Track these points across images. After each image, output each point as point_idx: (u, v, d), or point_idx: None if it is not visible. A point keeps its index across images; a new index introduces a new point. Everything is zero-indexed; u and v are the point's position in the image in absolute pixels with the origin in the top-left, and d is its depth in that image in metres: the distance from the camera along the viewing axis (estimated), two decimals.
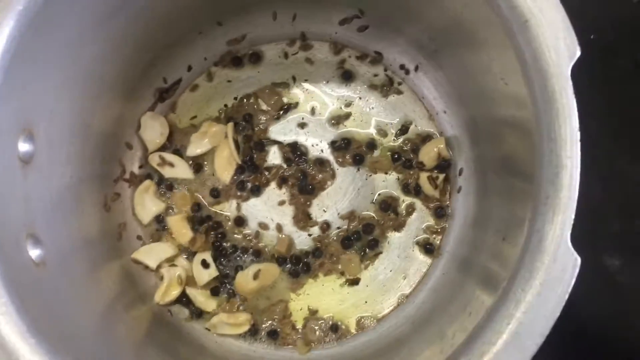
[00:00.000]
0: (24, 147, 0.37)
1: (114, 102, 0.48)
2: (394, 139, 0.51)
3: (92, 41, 0.41)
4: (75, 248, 0.42)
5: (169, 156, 0.51)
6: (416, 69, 0.51)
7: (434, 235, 0.50)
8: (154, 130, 0.51)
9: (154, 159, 0.51)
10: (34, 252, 0.36)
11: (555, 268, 0.32)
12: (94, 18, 0.39)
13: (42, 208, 0.39)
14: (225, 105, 0.52)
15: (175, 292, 0.49)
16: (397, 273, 0.50)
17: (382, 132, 0.51)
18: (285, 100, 0.52)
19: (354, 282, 0.50)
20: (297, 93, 0.52)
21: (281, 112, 0.52)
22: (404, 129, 0.51)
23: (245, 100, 0.52)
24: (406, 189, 0.51)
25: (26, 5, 0.34)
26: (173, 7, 0.45)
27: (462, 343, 0.34)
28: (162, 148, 0.51)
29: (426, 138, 0.51)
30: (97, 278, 0.45)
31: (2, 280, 0.32)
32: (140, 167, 0.52)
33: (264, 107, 0.52)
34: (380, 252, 0.50)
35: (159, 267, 0.50)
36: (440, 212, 0.50)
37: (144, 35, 0.46)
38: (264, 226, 0.51)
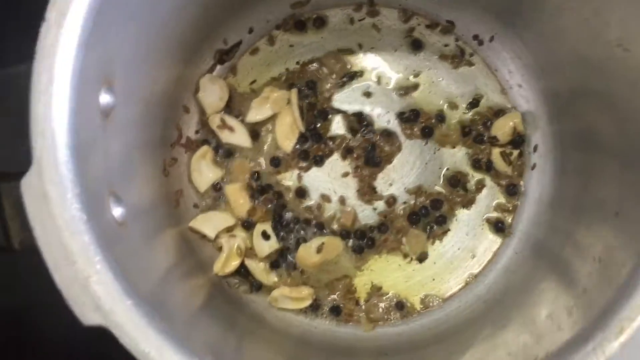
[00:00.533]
0: (104, 98, 0.34)
1: (176, 62, 0.45)
2: (464, 112, 0.49)
3: None
4: (141, 212, 0.40)
5: (230, 119, 0.48)
6: (491, 39, 0.49)
7: (505, 214, 0.48)
8: (213, 94, 0.49)
9: (215, 121, 0.48)
10: (117, 211, 0.34)
11: None
12: None
13: (117, 167, 0.36)
14: (287, 69, 0.50)
15: (234, 264, 0.47)
16: (466, 251, 0.48)
17: (452, 105, 0.49)
18: (350, 67, 0.50)
19: (422, 258, 0.48)
20: (362, 61, 0.50)
21: (345, 80, 0.50)
22: (474, 102, 0.49)
23: (308, 65, 0.50)
24: (477, 164, 0.49)
25: None
26: None
27: (585, 318, 0.32)
28: (220, 113, 0.49)
29: (498, 112, 0.49)
30: (155, 245, 0.42)
31: (95, 238, 0.29)
32: (197, 132, 0.49)
33: (328, 73, 0.50)
34: (449, 230, 0.48)
35: (217, 236, 0.47)
36: (512, 190, 0.48)
37: None
38: (326, 198, 0.49)
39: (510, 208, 0.48)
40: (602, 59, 0.37)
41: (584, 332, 0.32)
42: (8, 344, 0.51)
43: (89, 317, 0.29)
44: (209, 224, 0.47)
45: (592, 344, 0.31)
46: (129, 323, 0.29)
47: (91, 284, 0.29)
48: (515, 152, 0.48)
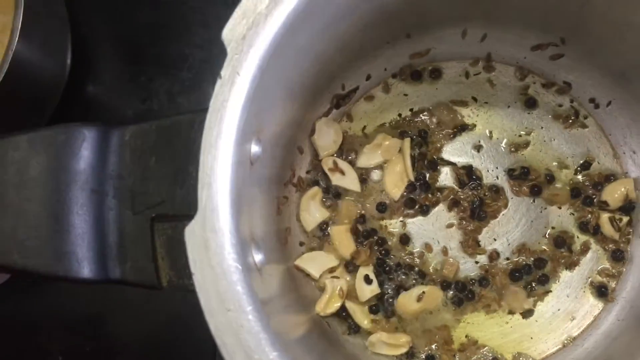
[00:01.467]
0: (254, 148, 0.36)
1: (300, 107, 0.47)
2: (574, 173, 0.50)
3: (318, 42, 0.39)
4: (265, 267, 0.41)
5: (342, 163, 0.50)
6: (608, 104, 0.49)
7: (609, 279, 0.48)
8: (327, 136, 0.50)
9: (327, 163, 0.49)
10: (257, 257, 0.35)
11: None
12: (328, 18, 0.38)
13: (251, 210, 0.38)
14: (400, 116, 0.51)
15: (336, 305, 0.48)
16: (565, 313, 0.48)
17: (562, 165, 0.50)
18: (461, 119, 0.51)
19: (527, 315, 0.48)
20: (475, 114, 0.51)
21: (456, 132, 0.50)
22: (585, 165, 0.49)
23: (420, 115, 0.51)
24: (584, 226, 0.49)
25: (295, 7, 0.33)
26: (381, 14, 0.44)
27: None
28: (333, 156, 0.50)
29: (609, 177, 0.49)
30: (270, 282, 0.44)
31: (247, 288, 0.31)
32: (307, 172, 0.51)
33: (439, 124, 0.51)
34: (550, 290, 0.49)
35: (320, 276, 0.49)
36: (618, 256, 0.48)
37: (345, 39, 0.45)
38: (429, 247, 0.50)
39: (615, 274, 0.48)
40: None
41: None
42: None
43: None
44: (314, 263, 0.49)
45: None
46: None
47: (242, 334, 0.30)
48: (625, 219, 0.48)
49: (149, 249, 0.34)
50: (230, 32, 0.32)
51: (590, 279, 0.49)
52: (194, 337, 0.53)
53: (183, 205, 0.33)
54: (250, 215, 0.37)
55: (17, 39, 0.50)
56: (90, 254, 0.32)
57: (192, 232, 0.31)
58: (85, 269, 0.32)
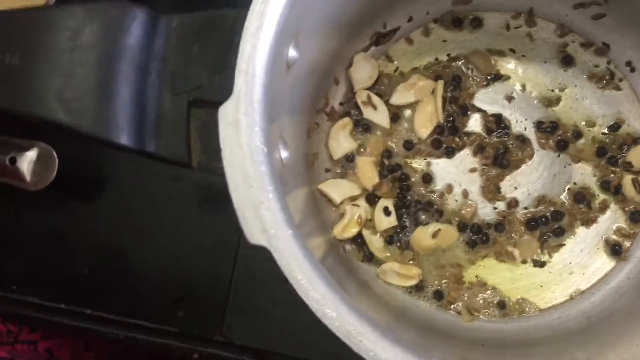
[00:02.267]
0: (292, 52, 0.38)
1: (341, 36, 0.49)
2: (602, 133, 0.50)
3: None
4: (291, 163, 0.43)
5: (375, 98, 0.51)
6: None
7: (624, 239, 0.49)
8: (364, 71, 0.52)
9: (362, 96, 0.51)
10: (283, 154, 0.37)
11: None
12: None
13: (286, 117, 0.40)
14: (436, 59, 0.52)
15: (353, 231, 0.50)
16: (577, 267, 0.49)
17: (591, 123, 0.50)
18: (497, 68, 0.52)
19: (539, 264, 0.49)
20: (511, 65, 0.52)
21: (490, 79, 0.51)
22: (615, 126, 0.50)
23: (457, 60, 0.52)
24: (605, 185, 0.49)
25: None
26: None
27: None
28: (367, 90, 0.52)
29: (638, 140, 0.49)
30: (294, 196, 0.46)
31: (270, 170, 0.33)
32: (341, 104, 0.52)
33: (474, 70, 0.52)
34: (564, 244, 0.50)
35: (341, 202, 0.50)
36: (636, 217, 0.49)
37: None
38: (449, 189, 0.51)
39: (631, 234, 0.49)
40: None
41: None
42: None
43: (255, 237, 0.32)
44: (337, 189, 0.51)
45: None
46: (287, 250, 0.32)
47: (262, 209, 0.32)
48: None
49: (183, 130, 0.36)
50: None
51: (605, 237, 0.49)
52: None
53: (220, 92, 0.35)
54: (281, 123, 0.40)
55: None
56: (130, 124, 0.34)
57: (225, 111, 0.33)
58: (124, 136, 0.34)
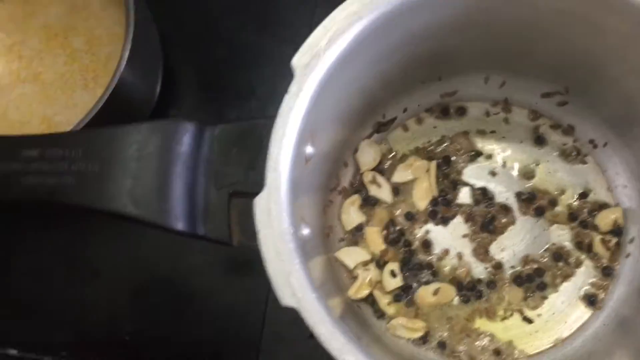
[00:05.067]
0: (309, 149, 0.47)
1: (348, 128, 0.58)
2: (574, 200, 0.59)
3: (364, 77, 0.51)
4: (311, 237, 0.52)
5: (379, 177, 0.61)
6: (604, 145, 0.58)
7: (598, 290, 0.57)
8: (368, 155, 0.61)
9: (368, 176, 0.60)
10: (305, 231, 0.46)
11: None
12: (373, 58, 0.50)
13: (305, 201, 0.49)
14: (429, 142, 0.62)
15: (365, 292, 0.58)
16: (560, 316, 0.57)
17: (563, 192, 0.59)
18: (476, 146, 0.61)
19: (528, 320, 0.57)
20: (492, 146, 0.61)
21: (473, 156, 0.60)
22: (584, 195, 0.59)
23: (444, 142, 0.62)
24: (579, 245, 0.58)
25: (346, 46, 0.44)
26: (416, 59, 0.55)
27: None
28: (372, 171, 0.61)
29: (603, 205, 0.58)
30: (314, 263, 0.54)
31: (295, 247, 0.42)
32: (351, 184, 0.62)
33: (458, 150, 0.61)
34: (546, 297, 0.58)
35: (354, 267, 0.59)
36: (607, 271, 0.57)
37: (385, 77, 0.56)
38: (446, 252, 0.59)
39: (604, 286, 0.57)
40: None
41: None
42: None
43: (286, 300, 0.40)
44: (350, 256, 0.59)
45: None
46: (312, 309, 0.41)
47: (291, 278, 0.41)
48: (614, 240, 0.57)
49: (226, 216, 0.45)
50: (298, 60, 0.44)
51: (582, 290, 0.57)
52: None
53: (254, 185, 0.45)
54: (302, 205, 0.49)
55: (124, 65, 0.58)
56: (184, 213, 0.44)
57: (259, 201, 0.42)
58: (180, 223, 0.43)
